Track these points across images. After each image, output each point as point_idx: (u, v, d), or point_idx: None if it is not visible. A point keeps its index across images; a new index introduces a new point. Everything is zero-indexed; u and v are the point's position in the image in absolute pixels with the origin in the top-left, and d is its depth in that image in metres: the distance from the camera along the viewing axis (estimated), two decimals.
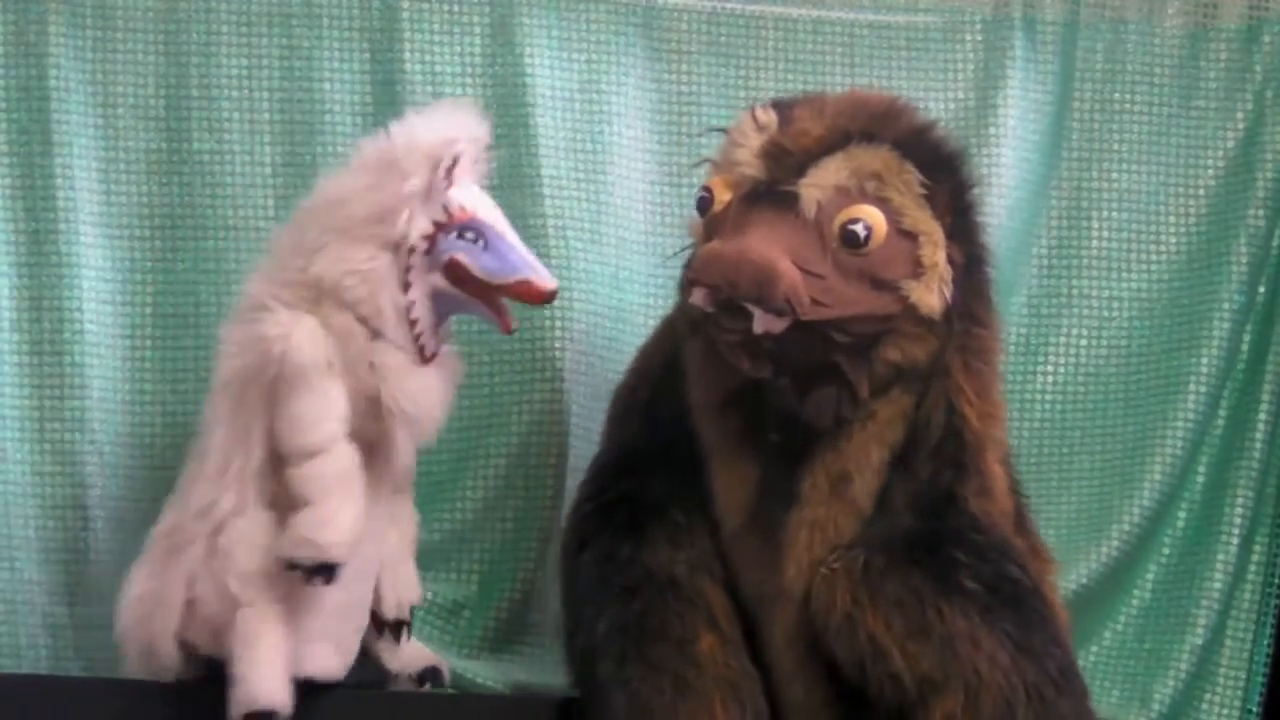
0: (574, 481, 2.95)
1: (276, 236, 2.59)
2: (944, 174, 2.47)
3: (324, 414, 2.44)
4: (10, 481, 2.84)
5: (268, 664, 2.46)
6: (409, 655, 2.73)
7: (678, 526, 2.58)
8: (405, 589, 2.68)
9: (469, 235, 2.51)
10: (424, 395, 2.53)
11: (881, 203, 2.41)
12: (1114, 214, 3.21)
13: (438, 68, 2.96)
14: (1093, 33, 3.18)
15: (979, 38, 3.16)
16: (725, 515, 2.56)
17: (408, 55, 2.95)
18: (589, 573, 2.60)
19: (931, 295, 2.42)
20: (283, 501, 2.48)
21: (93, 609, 2.85)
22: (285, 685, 2.47)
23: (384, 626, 2.68)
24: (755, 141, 2.47)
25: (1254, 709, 3.17)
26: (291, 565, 2.43)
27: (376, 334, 2.49)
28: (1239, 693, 3.19)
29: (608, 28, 3.03)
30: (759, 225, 2.39)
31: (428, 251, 2.50)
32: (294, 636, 2.50)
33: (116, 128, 2.88)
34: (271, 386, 2.45)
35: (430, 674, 2.74)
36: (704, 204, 2.50)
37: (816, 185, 2.40)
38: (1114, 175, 3.21)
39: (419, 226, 2.48)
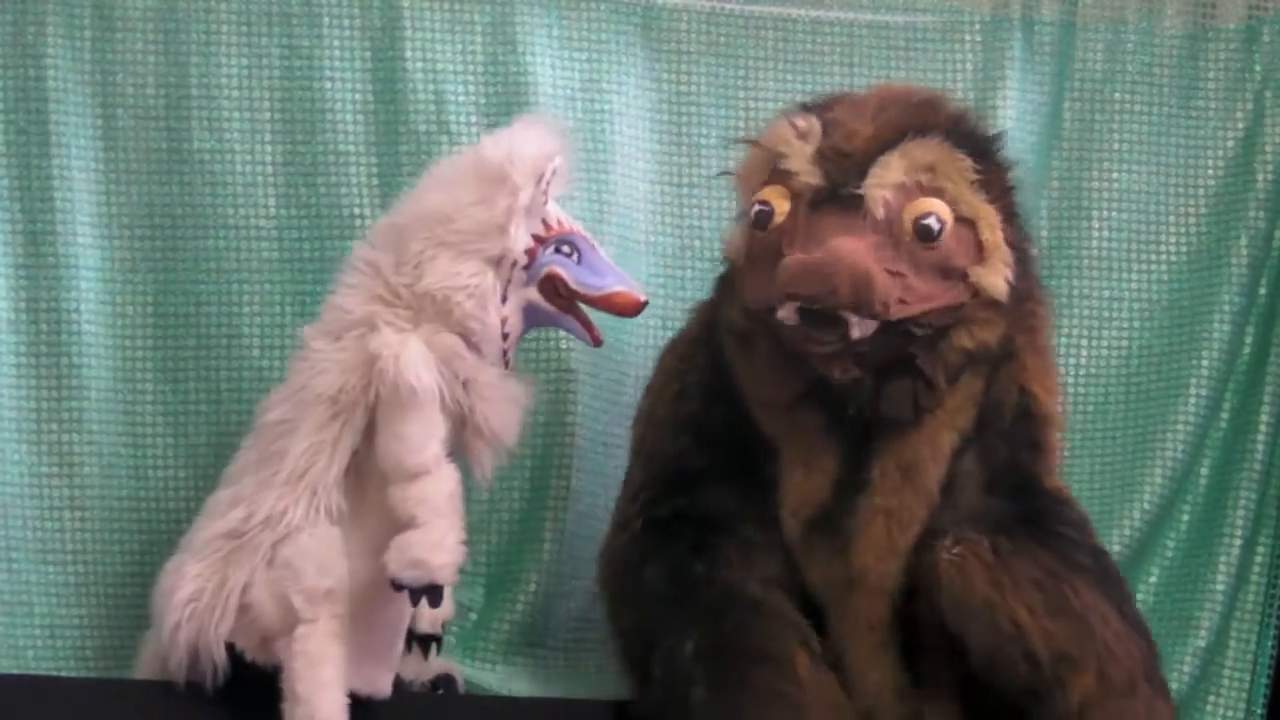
0: (580, 482, 2.99)
1: (363, 252, 2.56)
2: (991, 158, 2.51)
3: (431, 435, 2.45)
4: (9, 482, 2.83)
5: (330, 687, 2.45)
6: (422, 663, 2.72)
7: (749, 542, 2.56)
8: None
9: (565, 249, 2.54)
10: (511, 412, 2.54)
11: (937, 193, 2.43)
12: (1114, 214, 3.21)
13: (439, 66, 2.95)
14: (1092, 33, 3.18)
15: (978, 38, 3.16)
16: (794, 510, 2.54)
17: (409, 54, 2.94)
18: (658, 591, 2.56)
19: (997, 278, 2.45)
20: (347, 517, 2.50)
21: (92, 610, 2.85)
22: (345, 708, 2.46)
23: (412, 641, 2.67)
24: (806, 148, 2.46)
25: (1259, 710, 3.16)
26: (398, 585, 2.42)
27: (475, 350, 2.50)
28: (1243, 694, 3.18)
29: (608, 27, 3.03)
30: (834, 231, 2.39)
31: (527, 265, 2.52)
32: (350, 655, 2.49)
33: (115, 128, 2.88)
34: (375, 406, 2.46)
35: (444, 681, 2.74)
36: (764, 217, 2.48)
37: (880, 185, 2.42)
38: (1113, 176, 3.20)
39: (522, 241, 2.50)
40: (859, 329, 2.37)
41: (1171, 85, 3.20)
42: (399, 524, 2.42)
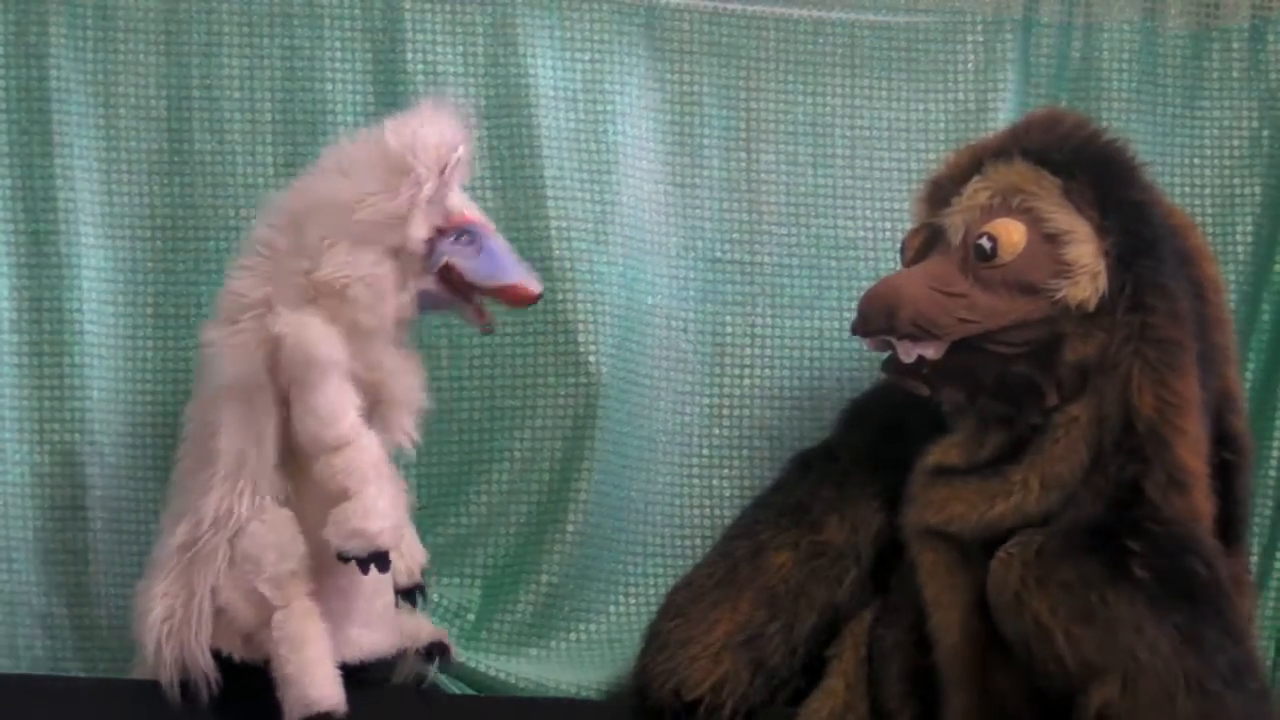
0: (587, 481, 2.96)
1: (262, 236, 2.57)
2: (1080, 170, 2.57)
3: (346, 405, 2.47)
4: (10, 482, 2.84)
5: (318, 664, 2.47)
6: (413, 630, 2.72)
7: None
8: (411, 553, 2.69)
9: (464, 239, 2.56)
10: (416, 377, 2.59)
11: (1027, 213, 2.54)
12: None
13: (440, 68, 2.97)
14: (1094, 34, 3.18)
15: (979, 39, 3.17)
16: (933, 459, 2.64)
17: (410, 56, 2.96)
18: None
19: (1081, 291, 2.52)
20: (294, 497, 2.52)
21: (92, 610, 2.85)
22: (338, 683, 2.48)
23: (398, 595, 2.68)
24: (920, 193, 2.70)
25: None
26: (344, 558, 2.43)
27: (372, 334, 2.52)
28: None
29: (610, 27, 3.04)
30: (917, 266, 2.61)
31: (426, 255, 2.54)
32: (332, 626, 2.51)
33: (117, 128, 2.90)
34: (287, 385, 2.47)
35: (438, 649, 2.73)
36: (902, 257, 2.70)
37: (960, 211, 2.58)
38: None
39: (422, 232, 2.52)
40: (908, 351, 2.55)
41: (1175, 86, 3.20)
42: (331, 498, 2.44)
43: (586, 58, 3.02)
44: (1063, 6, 3.18)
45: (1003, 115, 3.14)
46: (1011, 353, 2.55)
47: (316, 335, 2.45)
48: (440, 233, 2.55)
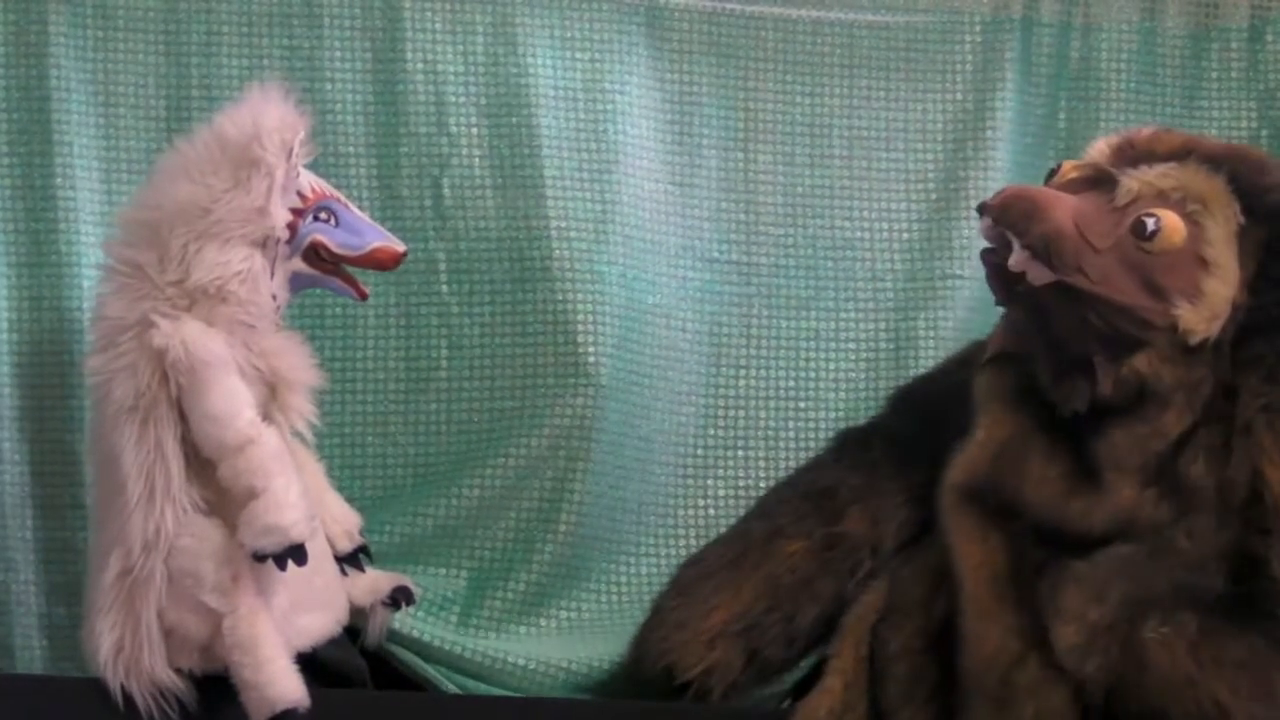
0: (583, 483, 2.95)
1: (122, 256, 2.54)
2: (1267, 222, 2.47)
3: (240, 404, 2.48)
4: (9, 481, 2.83)
5: (273, 662, 2.47)
6: (372, 584, 2.75)
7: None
8: (343, 518, 2.73)
9: (323, 215, 2.59)
10: (306, 358, 2.60)
11: (1195, 224, 2.44)
12: None
13: (439, 67, 2.97)
14: (1093, 34, 3.18)
15: (978, 39, 3.16)
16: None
17: (409, 55, 2.96)
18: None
19: (1198, 323, 2.42)
20: (215, 503, 2.51)
21: None
22: (297, 678, 2.48)
23: (343, 562, 2.71)
24: (1114, 140, 2.58)
25: None
26: (260, 556, 2.44)
27: (253, 325, 2.54)
28: None
29: (610, 27, 3.03)
30: (1073, 196, 2.48)
31: (290, 239, 2.57)
32: (282, 620, 2.51)
33: (117, 127, 2.89)
34: (177, 395, 2.47)
35: (402, 593, 2.76)
36: (1050, 175, 2.59)
37: (1141, 179, 2.46)
38: None
39: (283, 217, 2.54)
40: (1020, 260, 2.42)
41: (1174, 86, 3.19)
42: (239, 499, 2.45)
43: (586, 57, 3.01)
44: (1062, 6, 3.17)
45: (1001, 115, 3.15)
46: (1098, 326, 2.45)
47: (198, 338, 2.46)
48: (298, 214, 2.57)
